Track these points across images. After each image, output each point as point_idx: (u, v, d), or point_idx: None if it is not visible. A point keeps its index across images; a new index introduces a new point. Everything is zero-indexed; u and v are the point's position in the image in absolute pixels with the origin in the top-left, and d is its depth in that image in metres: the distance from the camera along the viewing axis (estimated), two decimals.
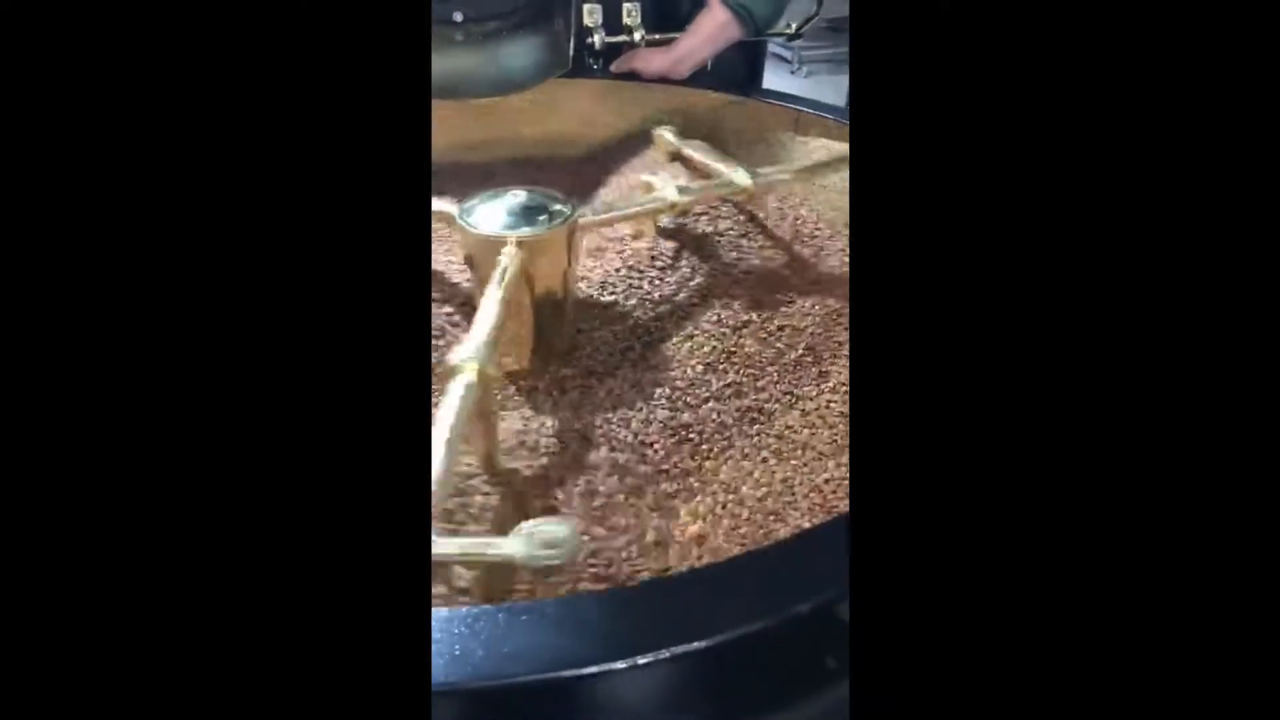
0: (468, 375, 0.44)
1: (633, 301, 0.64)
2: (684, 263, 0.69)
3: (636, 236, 0.71)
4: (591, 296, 0.64)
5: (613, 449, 0.51)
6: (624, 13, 0.92)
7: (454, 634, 0.31)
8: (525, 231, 0.55)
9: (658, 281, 0.66)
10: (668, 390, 0.56)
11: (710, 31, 0.86)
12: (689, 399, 0.56)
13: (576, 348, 0.60)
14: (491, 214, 0.56)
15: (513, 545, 0.36)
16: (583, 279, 0.65)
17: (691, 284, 0.67)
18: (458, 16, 0.80)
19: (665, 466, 0.51)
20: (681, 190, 0.68)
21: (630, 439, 0.52)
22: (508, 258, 0.54)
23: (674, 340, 0.61)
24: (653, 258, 0.68)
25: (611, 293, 0.65)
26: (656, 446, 0.52)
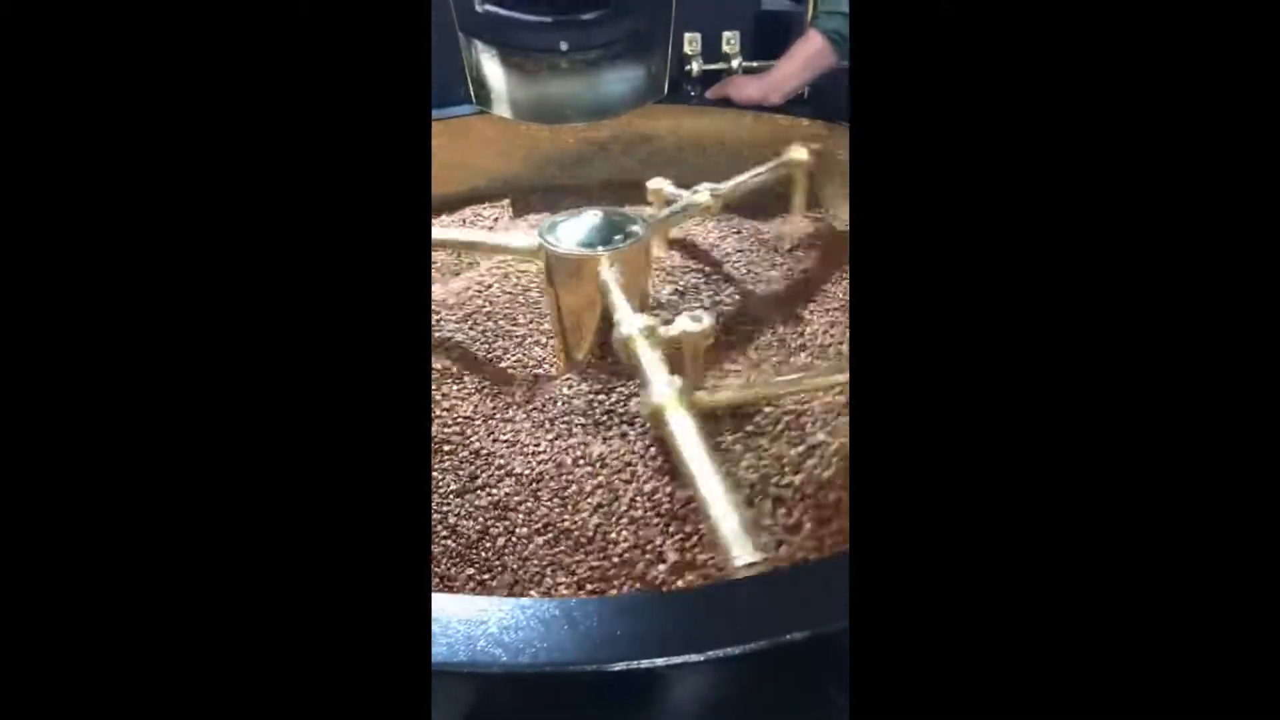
0: (675, 410, 0.47)
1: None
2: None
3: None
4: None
5: None
6: (723, 41, 0.94)
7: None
8: (612, 248, 0.58)
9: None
10: None
11: (805, 59, 0.86)
12: None
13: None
14: (572, 233, 0.59)
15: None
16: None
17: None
18: (563, 45, 0.85)
19: None
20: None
21: None
22: (607, 274, 0.56)
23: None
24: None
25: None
26: None
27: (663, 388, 0.48)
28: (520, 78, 0.84)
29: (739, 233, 0.81)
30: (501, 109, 0.84)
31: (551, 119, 0.85)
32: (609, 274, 0.56)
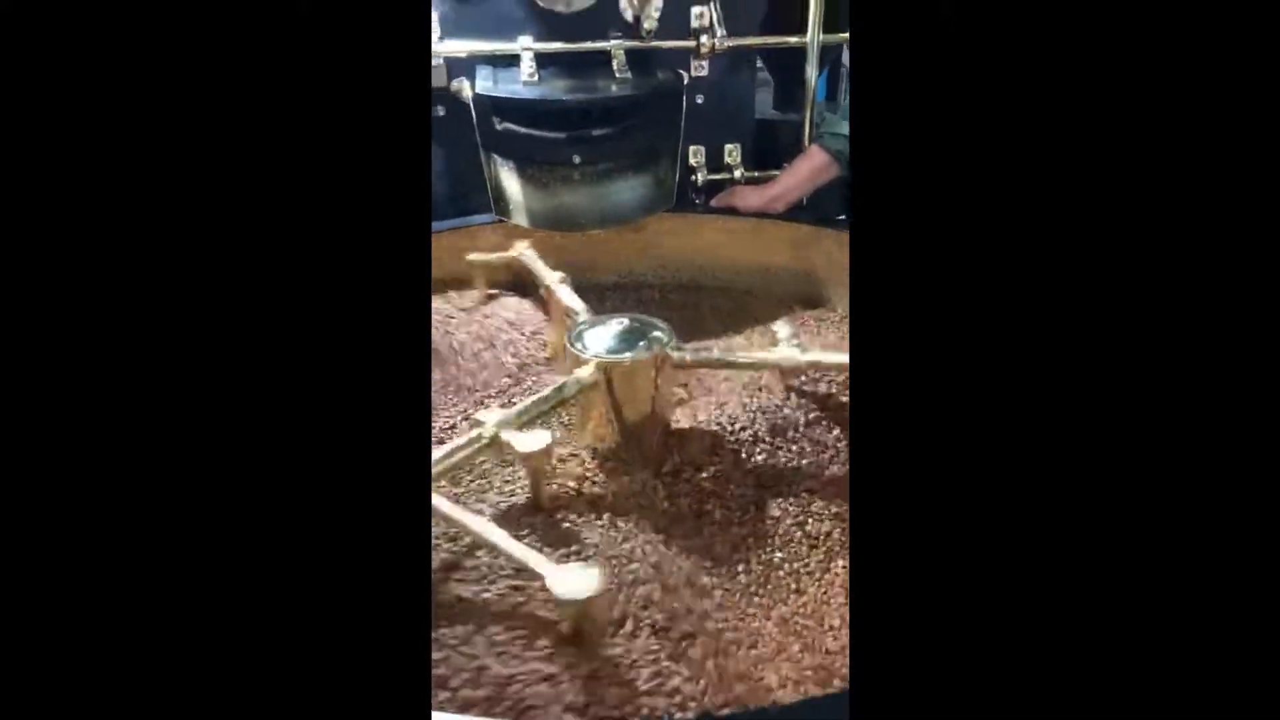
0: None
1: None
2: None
3: (763, 388, 0.71)
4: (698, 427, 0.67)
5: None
6: (725, 153, 1.00)
7: None
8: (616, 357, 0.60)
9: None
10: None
11: (810, 172, 0.91)
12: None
13: (667, 465, 0.62)
14: (598, 338, 0.62)
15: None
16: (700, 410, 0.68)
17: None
18: (576, 159, 0.90)
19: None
20: (802, 349, 0.67)
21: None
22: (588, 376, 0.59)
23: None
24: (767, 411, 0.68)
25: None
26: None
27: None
28: (536, 188, 0.89)
29: None
30: (519, 218, 0.88)
31: (565, 226, 0.90)
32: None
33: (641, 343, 0.62)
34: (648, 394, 0.61)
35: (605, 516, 0.57)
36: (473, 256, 0.86)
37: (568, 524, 0.56)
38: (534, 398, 0.60)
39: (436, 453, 0.54)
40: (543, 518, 0.56)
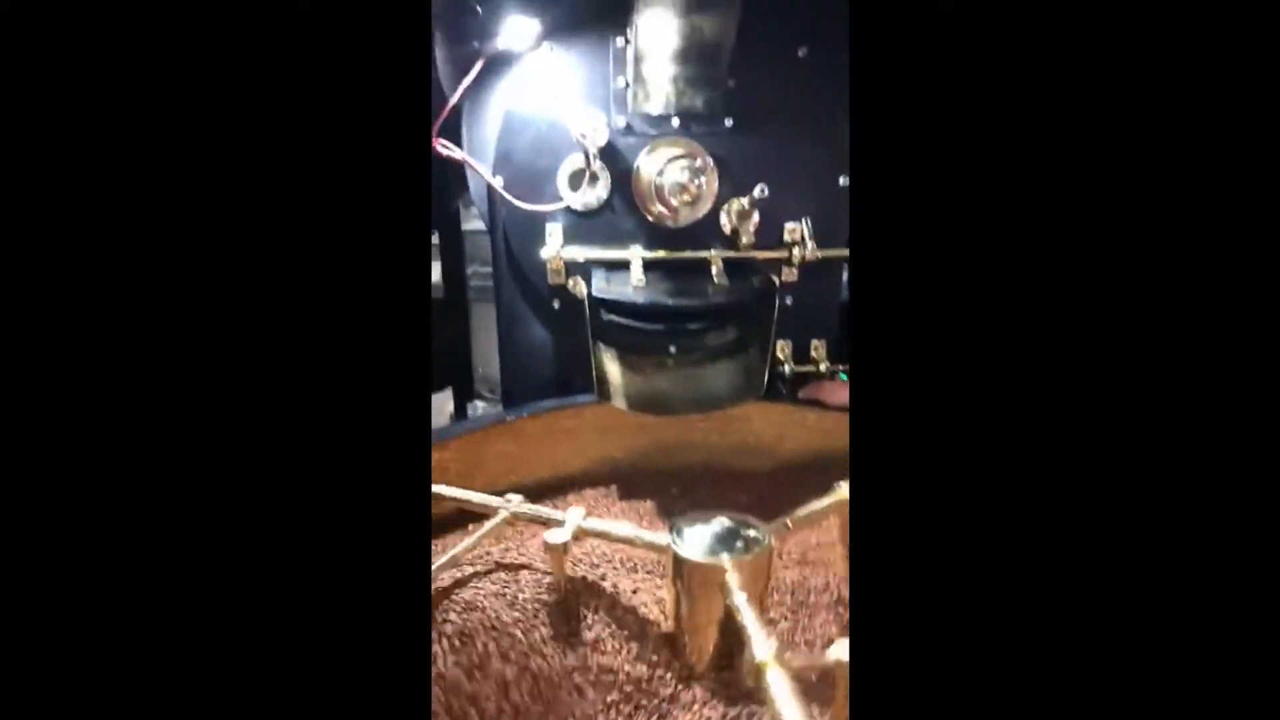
0: (777, 669, 0.48)
1: None
2: None
3: None
4: None
5: None
6: (811, 348, 1.06)
7: None
8: (734, 557, 0.62)
9: None
10: None
11: None
12: None
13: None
14: (698, 538, 0.65)
15: None
16: None
17: None
18: (672, 349, 0.99)
19: None
20: None
21: None
22: (730, 580, 0.60)
23: None
24: None
25: None
26: None
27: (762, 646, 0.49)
28: (634, 375, 0.98)
29: None
30: (618, 401, 0.96)
31: (659, 411, 0.97)
32: (735, 585, 0.60)
33: (738, 544, 0.64)
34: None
35: None
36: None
37: None
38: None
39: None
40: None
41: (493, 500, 0.74)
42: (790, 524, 0.68)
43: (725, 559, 0.61)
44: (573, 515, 0.68)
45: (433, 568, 0.68)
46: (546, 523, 0.71)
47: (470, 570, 0.71)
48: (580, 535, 0.70)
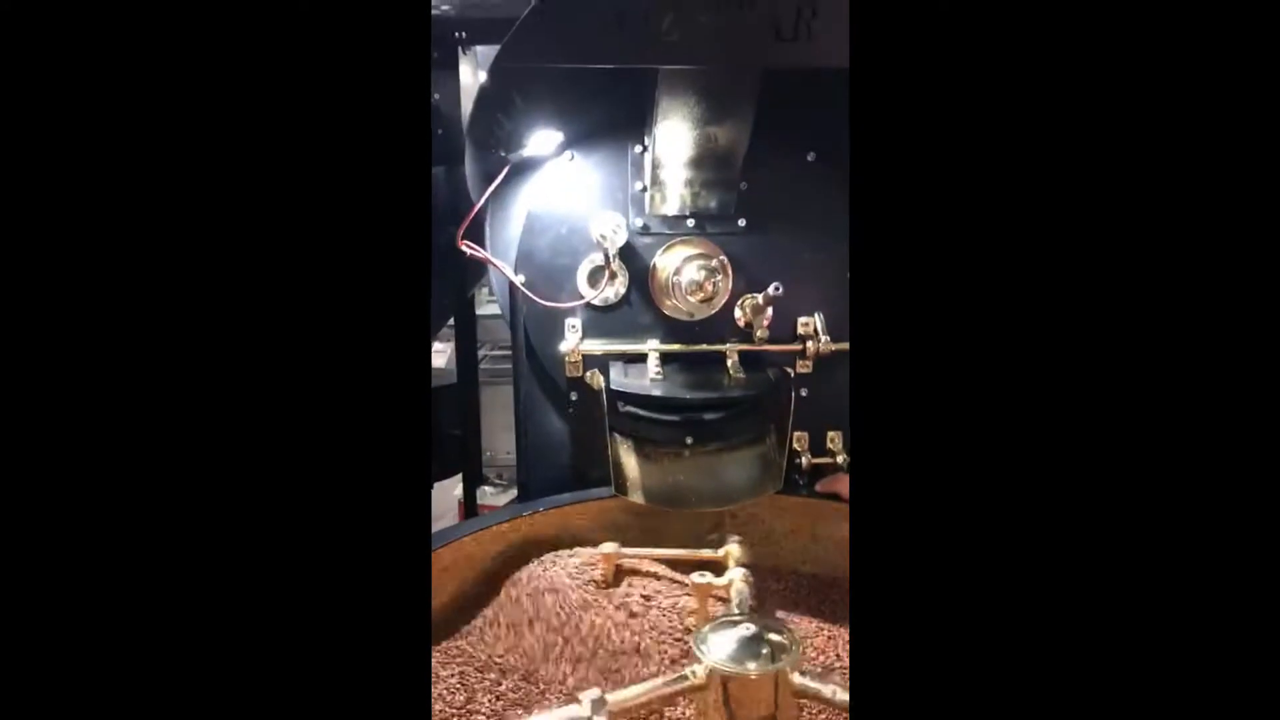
0: None
1: None
2: None
3: None
4: None
5: None
6: (827, 439, 1.07)
7: None
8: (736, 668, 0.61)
9: None
10: None
11: None
12: None
13: None
14: (722, 643, 0.64)
15: None
16: None
17: None
18: (688, 440, 0.99)
19: None
20: None
21: None
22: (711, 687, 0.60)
23: None
24: None
25: None
26: None
27: None
28: (651, 467, 0.98)
29: None
30: (635, 495, 0.96)
31: (676, 504, 0.96)
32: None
33: (764, 651, 0.63)
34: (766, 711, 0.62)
35: None
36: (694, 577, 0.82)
37: None
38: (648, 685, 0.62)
39: None
40: None
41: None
42: None
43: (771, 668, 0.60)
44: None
45: None
46: None
47: None
48: None
